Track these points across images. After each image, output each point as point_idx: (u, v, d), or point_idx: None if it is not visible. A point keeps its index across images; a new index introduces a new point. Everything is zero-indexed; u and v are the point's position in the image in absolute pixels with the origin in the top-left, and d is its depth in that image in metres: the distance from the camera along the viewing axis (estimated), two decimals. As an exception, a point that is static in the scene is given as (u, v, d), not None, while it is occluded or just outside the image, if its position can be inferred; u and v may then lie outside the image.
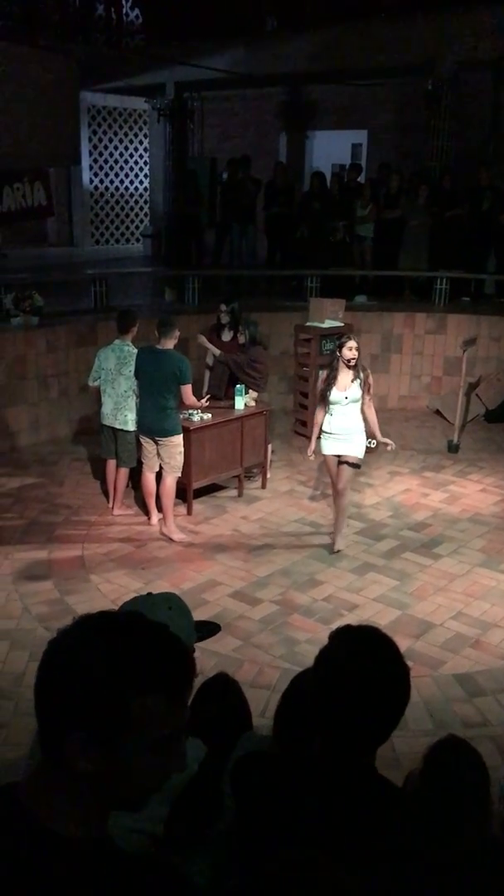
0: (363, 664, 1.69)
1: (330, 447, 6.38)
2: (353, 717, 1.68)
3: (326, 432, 6.34)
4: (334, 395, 6.24)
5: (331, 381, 6.27)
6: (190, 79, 13.89)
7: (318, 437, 6.40)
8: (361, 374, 6.26)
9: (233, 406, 7.50)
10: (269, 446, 8.00)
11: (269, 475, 7.96)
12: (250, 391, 7.69)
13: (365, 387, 6.27)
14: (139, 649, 1.22)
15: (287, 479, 8.12)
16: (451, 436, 9.08)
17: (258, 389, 7.81)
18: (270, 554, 6.52)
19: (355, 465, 6.47)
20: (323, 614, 5.60)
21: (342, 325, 9.48)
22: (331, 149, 15.58)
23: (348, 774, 1.73)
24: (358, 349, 6.27)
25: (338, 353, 6.29)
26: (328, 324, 9.37)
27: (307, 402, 9.40)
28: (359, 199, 11.75)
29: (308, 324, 9.51)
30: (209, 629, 2.31)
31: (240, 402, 7.51)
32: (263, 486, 7.86)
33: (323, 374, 6.51)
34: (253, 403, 7.67)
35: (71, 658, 1.21)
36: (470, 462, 8.68)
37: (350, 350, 6.22)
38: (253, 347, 7.73)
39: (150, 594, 2.23)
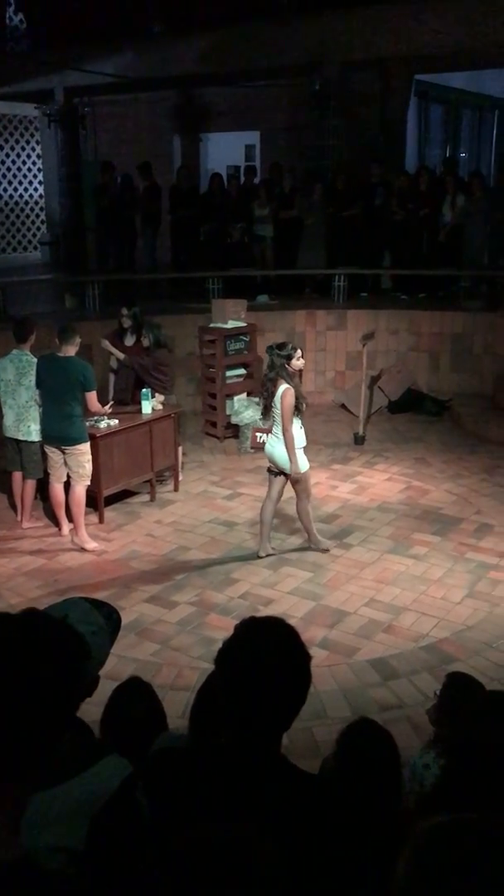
0: (263, 654, 1.73)
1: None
2: (255, 705, 1.71)
3: (302, 446, 6.21)
4: (304, 406, 6.22)
5: (301, 393, 6.15)
6: (79, 84, 13.72)
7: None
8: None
9: (140, 410, 7.47)
10: (180, 449, 8.00)
11: (181, 477, 7.96)
12: (157, 394, 7.68)
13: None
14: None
15: (199, 481, 8.14)
16: (356, 428, 9.28)
17: (165, 392, 7.80)
18: (185, 556, 6.53)
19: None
20: (240, 611, 5.63)
21: (245, 325, 9.57)
22: (225, 150, 15.68)
23: (254, 762, 1.77)
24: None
25: (286, 365, 6.07)
26: (231, 324, 9.45)
27: (215, 403, 9.46)
28: (256, 199, 11.86)
29: (212, 325, 9.55)
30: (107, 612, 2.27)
31: (147, 406, 7.48)
32: (176, 489, 7.86)
33: (287, 389, 6.03)
34: (160, 407, 7.66)
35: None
36: (376, 453, 8.90)
37: (300, 360, 6.17)
38: (157, 350, 7.72)
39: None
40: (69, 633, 1.29)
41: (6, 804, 1.28)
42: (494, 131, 16.90)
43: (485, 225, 10.81)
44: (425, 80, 14.42)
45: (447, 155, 15.39)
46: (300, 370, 6.15)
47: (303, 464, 6.20)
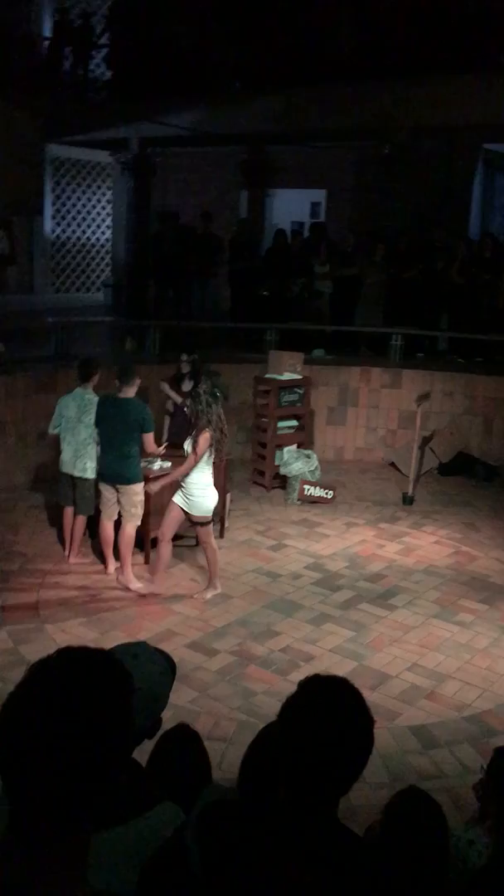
0: (330, 714, 1.72)
1: (176, 495, 6.46)
2: (318, 766, 1.70)
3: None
4: (186, 443, 6.35)
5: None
6: (153, 134, 14.19)
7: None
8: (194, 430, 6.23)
9: (192, 455, 7.53)
10: (228, 495, 8.03)
11: (227, 524, 7.98)
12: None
13: (192, 440, 6.23)
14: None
15: (245, 529, 8.15)
16: (405, 488, 9.23)
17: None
18: (227, 604, 6.52)
19: (199, 523, 6.45)
20: (280, 665, 5.59)
21: (300, 377, 9.66)
22: (290, 206, 15.97)
23: (312, 824, 1.75)
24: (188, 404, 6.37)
25: None
26: (287, 376, 9.55)
27: (265, 452, 9.51)
28: (317, 256, 12.05)
29: (267, 375, 9.66)
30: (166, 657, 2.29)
31: (199, 452, 7.53)
32: (221, 536, 7.87)
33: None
34: (212, 453, 7.71)
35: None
36: (424, 514, 8.82)
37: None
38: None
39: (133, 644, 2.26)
40: (117, 673, 1.27)
41: (74, 845, 1.27)
42: None
43: (545, 294, 10.83)
44: (492, 149, 14.60)
45: (510, 223, 15.48)
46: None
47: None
